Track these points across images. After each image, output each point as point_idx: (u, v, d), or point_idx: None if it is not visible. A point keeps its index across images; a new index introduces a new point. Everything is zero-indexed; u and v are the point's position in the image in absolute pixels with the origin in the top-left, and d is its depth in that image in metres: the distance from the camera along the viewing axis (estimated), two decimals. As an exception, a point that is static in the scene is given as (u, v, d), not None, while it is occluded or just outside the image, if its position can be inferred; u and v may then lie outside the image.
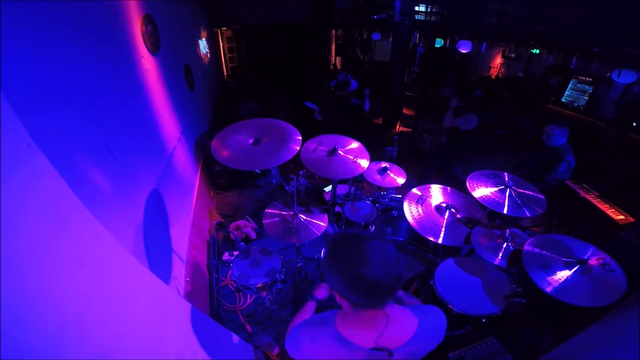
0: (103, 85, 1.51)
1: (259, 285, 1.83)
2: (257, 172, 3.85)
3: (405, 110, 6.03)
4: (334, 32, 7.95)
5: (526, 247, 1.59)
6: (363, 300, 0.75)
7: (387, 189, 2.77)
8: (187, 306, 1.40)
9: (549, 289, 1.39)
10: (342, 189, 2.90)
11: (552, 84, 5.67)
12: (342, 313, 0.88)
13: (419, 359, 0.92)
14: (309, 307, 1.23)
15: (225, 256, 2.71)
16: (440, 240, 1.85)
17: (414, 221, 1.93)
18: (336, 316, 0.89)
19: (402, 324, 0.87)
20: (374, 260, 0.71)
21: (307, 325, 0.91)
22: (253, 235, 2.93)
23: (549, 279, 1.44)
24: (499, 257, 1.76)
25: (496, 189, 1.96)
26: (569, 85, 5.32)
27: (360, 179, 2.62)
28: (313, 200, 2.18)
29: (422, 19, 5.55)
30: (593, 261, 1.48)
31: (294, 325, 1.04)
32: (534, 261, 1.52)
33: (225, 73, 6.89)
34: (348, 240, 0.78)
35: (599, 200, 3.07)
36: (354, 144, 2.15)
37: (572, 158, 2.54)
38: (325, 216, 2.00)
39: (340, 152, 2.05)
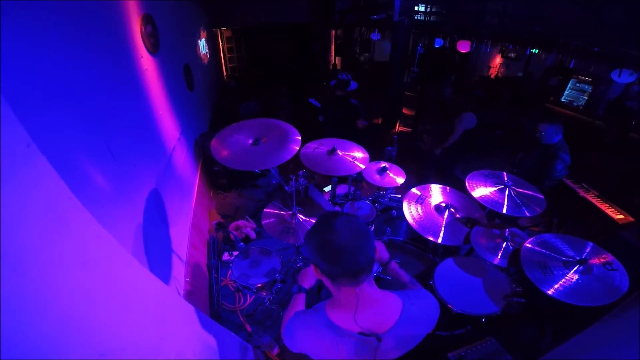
0: (102, 86, 1.50)
1: (259, 285, 1.83)
2: (256, 172, 3.85)
3: (404, 110, 6.03)
4: (333, 32, 7.95)
5: (525, 247, 1.59)
6: (334, 266, 0.80)
7: (386, 189, 2.77)
8: (187, 306, 1.40)
9: (548, 290, 1.39)
10: (342, 189, 2.90)
11: (551, 83, 5.68)
12: (331, 298, 0.91)
13: (411, 346, 0.90)
14: (299, 299, 1.15)
15: (225, 256, 2.71)
16: (439, 240, 1.85)
17: (414, 221, 1.93)
18: (326, 302, 0.92)
19: (385, 306, 0.88)
20: (340, 228, 0.79)
21: (301, 315, 0.94)
22: (253, 235, 2.92)
23: (547, 278, 1.44)
24: (499, 257, 1.76)
25: (495, 188, 1.96)
26: (569, 85, 5.33)
27: (359, 179, 2.62)
28: (313, 200, 2.17)
29: (421, 19, 5.55)
30: (594, 260, 1.48)
31: (287, 318, 1.04)
32: (533, 261, 1.52)
33: (224, 73, 6.90)
34: (323, 217, 0.87)
35: (599, 199, 3.07)
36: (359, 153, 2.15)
37: (567, 155, 2.55)
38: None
39: (339, 152, 2.06)
